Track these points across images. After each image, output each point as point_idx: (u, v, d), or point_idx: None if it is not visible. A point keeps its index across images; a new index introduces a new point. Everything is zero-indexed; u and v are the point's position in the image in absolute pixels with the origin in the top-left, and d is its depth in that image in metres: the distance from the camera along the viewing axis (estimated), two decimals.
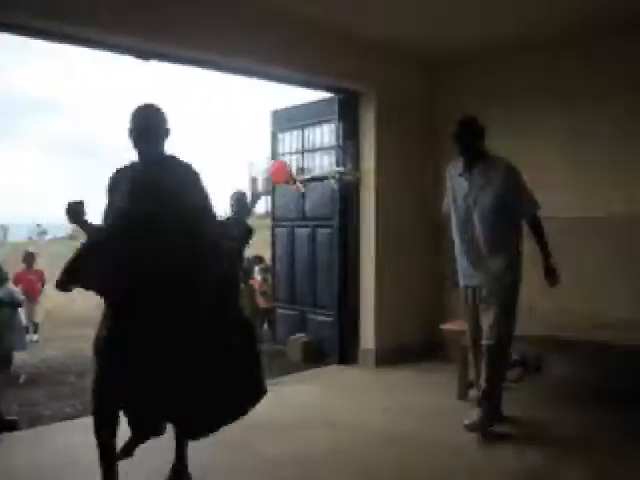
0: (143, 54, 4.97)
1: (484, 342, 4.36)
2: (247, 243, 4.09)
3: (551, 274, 4.36)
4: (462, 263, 4.55)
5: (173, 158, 3.18)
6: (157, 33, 4.72)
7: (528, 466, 3.84)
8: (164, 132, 3.17)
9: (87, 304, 10.99)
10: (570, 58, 5.75)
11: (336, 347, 6.48)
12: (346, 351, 6.46)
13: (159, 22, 4.69)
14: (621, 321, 5.09)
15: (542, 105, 5.90)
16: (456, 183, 4.51)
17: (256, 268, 7.84)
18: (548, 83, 5.87)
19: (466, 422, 4.34)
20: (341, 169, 6.33)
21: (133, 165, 3.20)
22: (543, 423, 4.61)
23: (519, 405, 4.85)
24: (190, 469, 3.58)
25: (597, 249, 5.58)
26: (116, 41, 4.74)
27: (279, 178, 7.03)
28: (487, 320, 4.37)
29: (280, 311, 7.35)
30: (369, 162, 6.34)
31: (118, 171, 3.23)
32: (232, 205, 5.75)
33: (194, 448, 3.96)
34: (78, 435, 4.38)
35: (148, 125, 3.11)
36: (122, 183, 3.13)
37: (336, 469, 3.85)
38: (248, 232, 3.88)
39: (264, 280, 7.72)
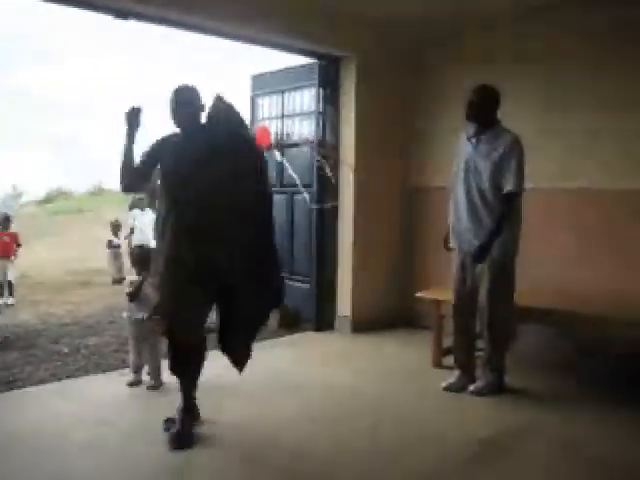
0: (121, 13, 4.87)
1: (484, 310, 4.45)
2: None
3: (481, 252, 4.33)
4: (458, 226, 4.54)
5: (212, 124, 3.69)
6: None
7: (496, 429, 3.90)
8: (201, 106, 3.69)
9: (58, 269, 10.99)
10: (553, 26, 5.67)
11: (313, 314, 6.48)
12: (323, 318, 6.47)
13: None
14: (596, 292, 5.13)
15: (525, 73, 5.86)
16: (462, 146, 4.56)
17: None
18: (531, 53, 5.81)
19: (443, 385, 4.58)
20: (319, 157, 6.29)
21: (179, 134, 3.71)
22: (516, 389, 4.68)
23: None
24: (156, 430, 3.64)
25: (577, 220, 5.57)
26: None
27: (261, 143, 6.96)
28: (482, 293, 4.44)
29: None
30: (349, 129, 6.28)
31: (163, 139, 3.76)
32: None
33: (161, 409, 3.99)
34: (51, 400, 4.38)
35: (189, 99, 3.66)
36: (169, 147, 3.68)
37: (302, 433, 3.87)
38: None
39: None
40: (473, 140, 4.45)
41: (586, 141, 5.53)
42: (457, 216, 4.55)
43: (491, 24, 5.94)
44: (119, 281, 9.42)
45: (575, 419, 4.11)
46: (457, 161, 4.59)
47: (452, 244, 4.64)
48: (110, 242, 10.25)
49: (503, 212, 4.31)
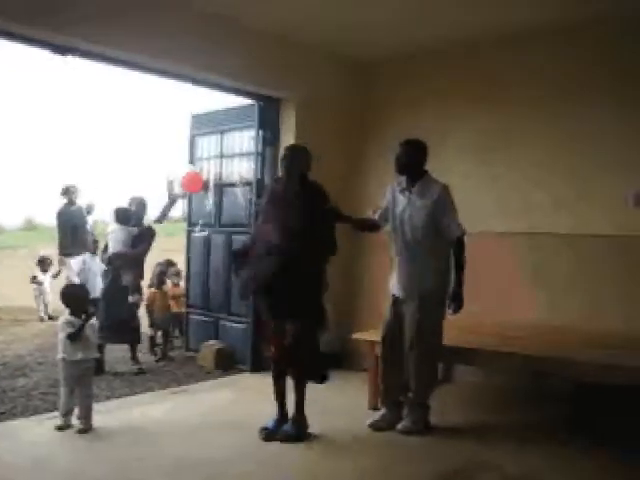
0: (59, 49, 4.85)
1: (410, 351, 4.59)
2: None
3: (458, 301, 4.54)
4: (397, 274, 4.72)
5: (311, 182, 4.54)
6: (75, 28, 4.61)
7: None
8: (306, 166, 4.55)
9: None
10: (504, 60, 5.89)
11: (249, 354, 6.43)
12: (259, 358, 6.41)
13: (78, 17, 4.58)
14: (531, 327, 5.30)
15: (471, 108, 6.06)
16: (396, 199, 4.73)
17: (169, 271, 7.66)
18: (481, 86, 6.02)
19: (368, 422, 4.70)
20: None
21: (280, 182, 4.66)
22: (457, 427, 4.77)
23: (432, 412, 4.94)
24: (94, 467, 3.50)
25: (505, 260, 5.75)
26: (31, 34, 4.60)
27: (192, 189, 6.99)
28: (412, 331, 4.58)
29: (193, 317, 7.24)
30: None
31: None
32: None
33: (92, 453, 3.91)
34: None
35: (293, 156, 4.58)
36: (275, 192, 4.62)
37: (240, 472, 3.83)
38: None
39: (175, 285, 7.56)
40: (406, 192, 4.65)
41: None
42: (397, 264, 4.72)
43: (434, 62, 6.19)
44: (43, 319, 9.25)
45: (521, 454, 4.18)
46: (390, 212, 4.75)
47: (390, 289, 4.77)
48: (34, 278, 9.92)
49: (462, 257, 4.54)
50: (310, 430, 4.52)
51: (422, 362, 4.61)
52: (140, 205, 6.67)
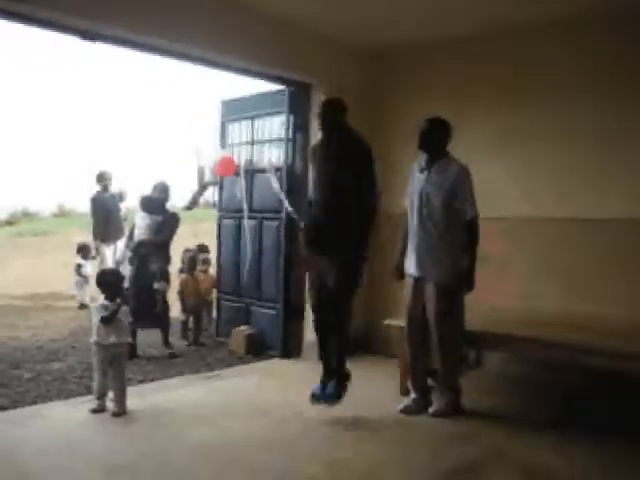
0: (88, 35, 4.86)
1: (433, 334, 4.60)
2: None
3: (468, 282, 4.56)
4: (413, 255, 4.69)
5: (345, 138, 4.55)
6: (104, 14, 4.61)
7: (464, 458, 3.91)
8: (335, 119, 4.55)
9: (21, 292, 10.80)
10: (516, 52, 5.81)
11: (279, 340, 6.45)
12: (290, 344, 6.45)
13: (107, 3, 4.59)
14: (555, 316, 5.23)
15: (482, 98, 5.99)
16: (416, 178, 4.72)
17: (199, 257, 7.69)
18: (492, 76, 5.95)
19: (400, 407, 4.73)
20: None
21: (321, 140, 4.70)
22: (482, 414, 4.73)
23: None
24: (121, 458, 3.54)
25: (532, 247, 5.70)
26: (62, 20, 4.62)
27: (225, 172, 6.97)
28: (432, 314, 4.58)
29: (224, 303, 7.28)
30: None
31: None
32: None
33: (125, 435, 3.97)
34: (11, 427, 4.29)
35: (325, 115, 4.56)
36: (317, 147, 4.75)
37: (266, 457, 3.85)
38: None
39: (203, 272, 7.57)
40: (425, 171, 4.63)
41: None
42: (412, 245, 4.71)
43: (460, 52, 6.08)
44: (85, 306, 9.29)
45: (538, 445, 4.13)
46: (410, 191, 4.76)
47: (406, 270, 4.78)
48: (79, 266, 9.92)
49: (475, 238, 4.54)
50: (343, 414, 4.54)
51: (445, 345, 4.62)
52: (163, 191, 6.69)
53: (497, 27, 5.71)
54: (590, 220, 5.39)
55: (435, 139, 4.62)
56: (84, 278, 9.64)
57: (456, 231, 4.56)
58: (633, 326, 4.83)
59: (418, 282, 4.69)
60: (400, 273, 4.86)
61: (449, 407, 4.68)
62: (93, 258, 9.66)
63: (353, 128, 4.59)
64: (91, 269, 9.67)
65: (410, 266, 4.74)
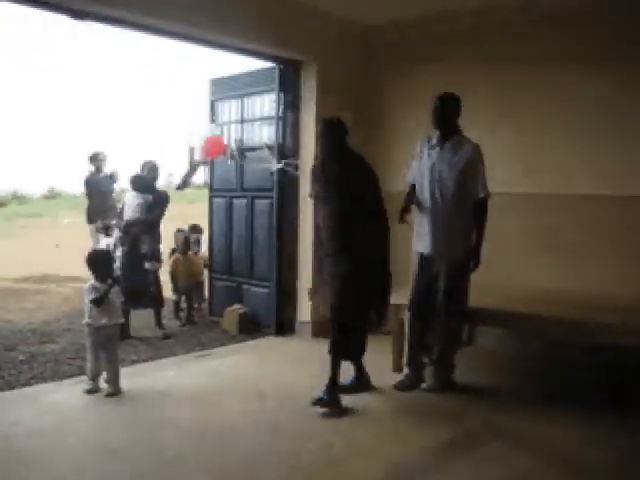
0: (78, 14, 4.80)
1: (444, 313, 4.60)
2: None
3: (475, 259, 4.56)
4: (423, 231, 4.67)
5: (349, 158, 4.50)
6: None
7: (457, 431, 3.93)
8: (338, 139, 4.49)
9: (12, 274, 10.77)
10: (514, 25, 5.76)
11: (273, 318, 6.47)
12: (283, 322, 6.46)
13: None
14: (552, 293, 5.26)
15: (479, 73, 5.95)
16: (425, 154, 4.66)
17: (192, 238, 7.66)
18: (489, 51, 5.90)
19: (393, 383, 4.77)
20: (281, 164, 6.28)
21: (322, 160, 4.57)
22: (476, 389, 4.78)
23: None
24: (115, 439, 3.55)
25: (528, 224, 5.73)
26: None
27: (214, 154, 6.92)
28: (444, 293, 4.58)
29: (217, 282, 7.28)
30: (309, 134, 6.27)
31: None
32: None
33: (120, 416, 3.98)
34: (6, 408, 4.30)
35: (327, 133, 4.52)
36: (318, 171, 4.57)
37: (258, 438, 3.86)
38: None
39: (194, 253, 7.54)
40: (437, 148, 4.58)
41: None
42: (422, 222, 4.68)
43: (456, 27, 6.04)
44: None
45: (532, 419, 4.18)
46: (417, 168, 4.71)
47: (417, 249, 4.75)
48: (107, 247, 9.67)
49: (483, 217, 4.54)
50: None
51: (451, 323, 4.65)
52: (152, 170, 6.62)
53: (495, 4, 5.66)
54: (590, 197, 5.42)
55: (448, 115, 4.56)
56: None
57: (467, 209, 4.54)
58: (630, 302, 4.86)
59: (427, 260, 4.67)
60: (402, 217, 4.63)
61: (443, 383, 4.71)
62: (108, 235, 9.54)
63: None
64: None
65: (423, 245, 4.69)
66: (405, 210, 4.64)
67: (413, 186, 4.76)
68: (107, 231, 9.63)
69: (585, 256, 5.43)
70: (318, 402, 4.26)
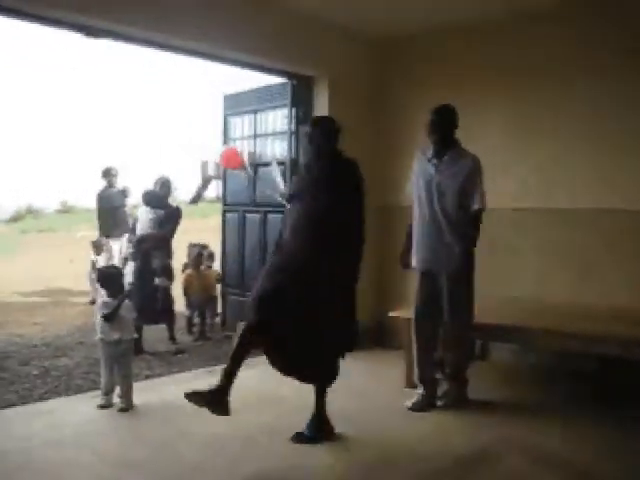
0: (91, 31, 4.86)
1: (450, 326, 4.57)
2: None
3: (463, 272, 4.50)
4: (421, 246, 4.63)
5: (338, 161, 4.09)
6: (106, 11, 4.61)
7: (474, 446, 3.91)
8: (331, 138, 4.07)
9: (27, 289, 10.83)
10: (520, 40, 5.78)
11: None
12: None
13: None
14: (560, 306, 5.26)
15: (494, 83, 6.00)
16: (423, 168, 4.62)
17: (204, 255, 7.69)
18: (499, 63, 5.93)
19: (408, 404, 4.66)
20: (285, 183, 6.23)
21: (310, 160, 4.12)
22: (491, 405, 4.75)
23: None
24: (129, 454, 3.54)
25: (536, 237, 5.74)
26: (65, 17, 4.61)
27: (230, 165, 6.92)
28: (451, 304, 4.53)
29: (230, 297, 7.29)
30: None
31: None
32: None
33: (132, 431, 3.97)
34: (20, 423, 4.30)
35: (321, 132, 4.06)
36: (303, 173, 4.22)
37: (277, 450, 3.87)
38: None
39: (207, 267, 7.57)
40: (434, 161, 4.55)
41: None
42: (420, 236, 4.64)
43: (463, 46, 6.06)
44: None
45: (548, 433, 4.15)
46: (415, 182, 4.68)
47: (414, 263, 4.71)
48: (94, 263, 9.84)
49: (477, 227, 4.48)
50: (349, 407, 4.55)
51: (459, 337, 4.62)
52: (165, 185, 6.68)
53: (503, 13, 5.67)
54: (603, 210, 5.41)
55: (444, 127, 4.51)
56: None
57: (466, 222, 4.48)
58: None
59: (428, 275, 4.63)
60: (406, 262, 4.78)
61: (458, 399, 4.69)
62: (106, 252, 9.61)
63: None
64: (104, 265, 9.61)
65: (419, 259, 4.66)
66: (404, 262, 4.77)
67: (405, 250, 4.78)
68: (98, 250, 9.70)
69: (601, 270, 5.41)
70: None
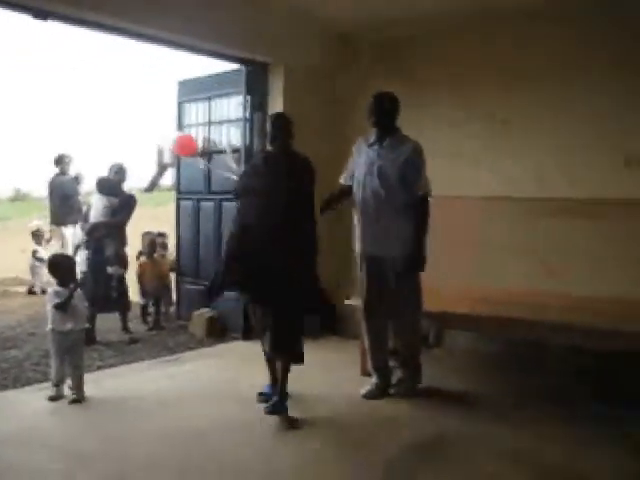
0: (41, 13, 4.73)
1: (400, 313, 4.54)
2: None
3: (419, 258, 4.43)
4: (365, 232, 4.60)
5: (295, 153, 4.39)
6: None
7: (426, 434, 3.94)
8: (291, 134, 4.39)
9: None
10: (481, 39, 5.84)
11: (240, 322, 6.41)
12: (250, 327, 6.40)
13: None
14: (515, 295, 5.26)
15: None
16: (364, 153, 4.61)
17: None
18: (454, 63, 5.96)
19: (362, 392, 4.68)
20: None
21: (268, 153, 4.48)
22: (444, 394, 4.77)
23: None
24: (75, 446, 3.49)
25: (499, 227, 5.72)
26: None
27: (184, 152, 6.85)
28: (400, 290, 4.50)
29: (184, 286, 7.22)
30: None
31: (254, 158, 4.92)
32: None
33: (84, 423, 3.91)
34: None
35: (282, 126, 4.38)
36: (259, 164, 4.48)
37: (230, 442, 3.84)
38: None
39: (161, 256, 7.48)
40: (375, 146, 4.55)
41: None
42: (364, 223, 4.60)
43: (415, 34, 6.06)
44: (34, 292, 9.15)
45: (499, 421, 4.20)
46: (356, 167, 4.65)
47: (357, 249, 4.70)
48: (35, 252, 9.55)
49: (423, 214, 4.45)
50: (303, 397, 4.57)
51: (408, 325, 4.62)
52: (119, 172, 6.56)
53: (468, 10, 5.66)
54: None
55: (385, 113, 4.52)
56: (39, 263, 9.45)
57: (409, 207, 4.44)
58: (597, 302, 4.88)
59: (374, 261, 4.59)
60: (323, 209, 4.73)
61: (412, 387, 4.72)
62: (47, 242, 9.48)
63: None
64: (45, 254, 9.49)
65: (365, 245, 4.62)
66: (327, 207, 4.74)
67: (341, 190, 4.77)
68: (38, 239, 9.58)
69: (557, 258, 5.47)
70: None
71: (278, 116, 4.63)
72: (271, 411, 4.19)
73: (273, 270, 4.08)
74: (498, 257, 5.68)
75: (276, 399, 4.24)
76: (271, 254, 4.10)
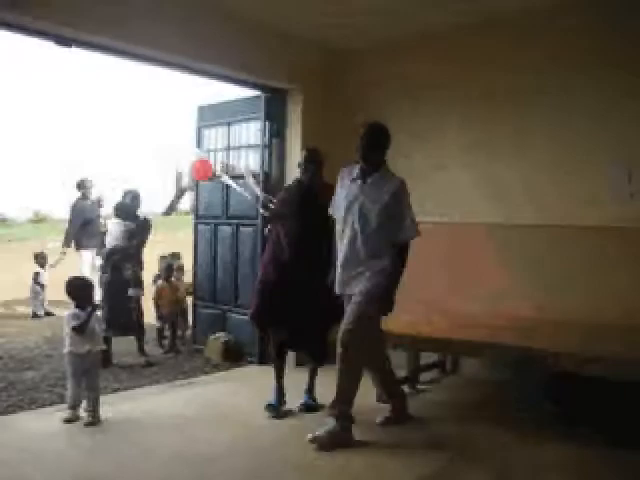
0: (64, 41, 4.83)
1: (339, 347, 4.18)
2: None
3: (388, 303, 4.23)
4: (342, 271, 4.38)
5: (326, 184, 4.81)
6: (81, 20, 4.61)
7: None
8: (320, 165, 4.86)
9: None
10: (482, 52, 5.78)
11: (256, 347, 6.42)
12: (266, 351, 6.40)
13: (84, 9, 4.59)
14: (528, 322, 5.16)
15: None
16: (347, 187, 4.39)
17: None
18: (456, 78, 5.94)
19: (310, 436, 4.13)
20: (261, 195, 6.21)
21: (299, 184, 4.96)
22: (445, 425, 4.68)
23: (428, 406, 5.00)
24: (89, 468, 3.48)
25: (502, 253, 5.61)
26: (37, 26, 4.60)
27: (200, 176, 6.92)
28: (345, 327, 4.19)
29: (201, 310, 7.23)
30: (295, 161, 6.26)
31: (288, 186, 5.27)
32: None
33: (99, 446, 3.91)
34: None
35: (314, 160, 4.84)
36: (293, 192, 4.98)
37: (244, 466, 3.82)
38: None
39: (177, 279, 7.51)
40: (359, 181, 4.34)
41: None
42: (341, 258, 4.38)
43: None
44: (38, 316, 9.21)
45: (512, 448, 4.12)
46: (338, 202, 4.43)
47: (337, 290, 4.44)
48: (37, 275, 9.69)
49: (403, 260, 4.27)
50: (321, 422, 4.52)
51: (345, 364, 4.19)
52: (134, 198, 6.69)
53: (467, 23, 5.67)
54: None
55: (373, 148, 4.28)
56: (40, 287, 9.53)
57: (387, 248, 4.23)
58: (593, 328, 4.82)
59: (344, 298, 4.39)
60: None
61: (398, 415, 4.63)
62: (51, 266, 9.56)
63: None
64: (46, 278, 9.58)
65: (338, 283, 4.40)
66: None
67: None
68: (42, 263, 9.70)
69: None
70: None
71: (307, 152, 4.95)
72: (306, 409, 4.82)
73: (304, 306, 4.63)
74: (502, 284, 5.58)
75: (306, 398, 4.89)
76: (303, 283, 4.63)
